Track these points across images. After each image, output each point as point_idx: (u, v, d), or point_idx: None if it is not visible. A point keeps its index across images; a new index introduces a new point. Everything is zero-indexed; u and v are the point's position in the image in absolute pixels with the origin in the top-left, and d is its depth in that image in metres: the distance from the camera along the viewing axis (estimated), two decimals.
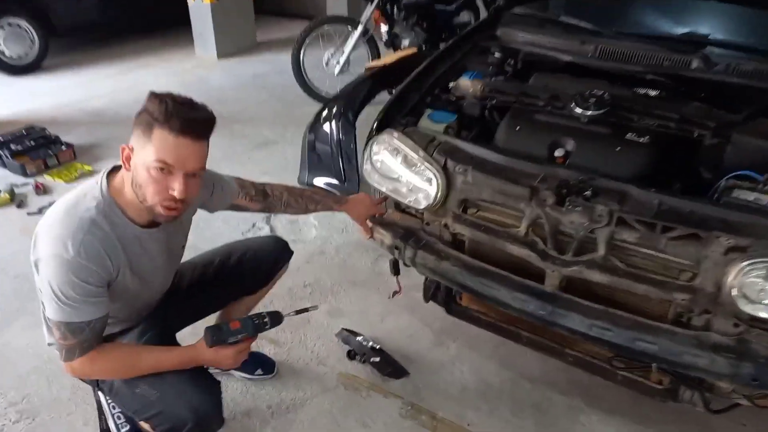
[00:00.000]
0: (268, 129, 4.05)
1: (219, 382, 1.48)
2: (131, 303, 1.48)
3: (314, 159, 3.33)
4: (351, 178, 3.18)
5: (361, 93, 3.26)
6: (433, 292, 1.99)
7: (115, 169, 1.36)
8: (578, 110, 1.80)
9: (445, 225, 1.81)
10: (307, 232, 2.86)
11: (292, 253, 1.84)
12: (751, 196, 1.52)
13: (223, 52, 5.61)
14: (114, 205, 1.31)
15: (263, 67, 5.38)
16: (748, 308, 1.37)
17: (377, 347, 2.07)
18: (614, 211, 1.50)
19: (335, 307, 2.35)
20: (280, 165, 3.54)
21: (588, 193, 1.56)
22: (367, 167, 1.95)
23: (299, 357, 2.09)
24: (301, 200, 1.79)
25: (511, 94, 2.02)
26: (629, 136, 1.74)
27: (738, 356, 1.38)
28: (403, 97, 2.09)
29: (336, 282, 2.49)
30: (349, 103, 3.20)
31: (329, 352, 2.11)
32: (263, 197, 1.72)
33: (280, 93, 4.69)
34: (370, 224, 1.90)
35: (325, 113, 3.21)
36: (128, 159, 1.27)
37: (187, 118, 1.22)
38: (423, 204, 1.80)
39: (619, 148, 1.71)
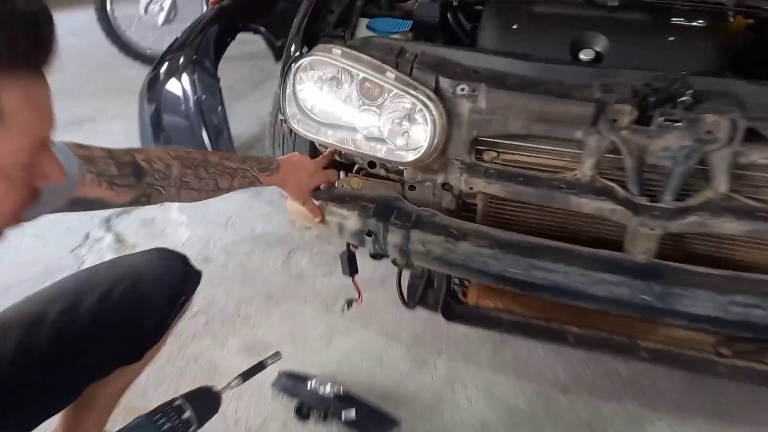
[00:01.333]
0: (78, 104, 2.92)
1: None
2: None
3: (162, 136, 2.37)
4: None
5: (212, 34, 2.38)
6: (422, 292, 1.31)
7: None
8: None
9: (445, 185, 1.14)
10: (173, 233, 1.97)
11: (199, 274, 1.03)
12: None
13: None
14: None
15: None
16: None
17: (340, 392, 1.33)
18: (738, 119, 0.96)
19: (252, 339, 1.55)
20: None
21: (687, 98, 1.00)
22: (290, 110, 1.19)
23: None
24: (206, 173, 0.97)
25: None
26: (677, 20, 1.22)
27: None
28: (321, 5, 1.35)
29: (241, 300, 1.68)
30: (201, 47, 2.29)
31: (267, 415, 1.33)
32: (136, 176, 0.88)
33: (84, 57, 3.52)
34: (316, 202, 1.16)
35: (166, 67, 2.27)
36: None
37: None
38: (409, 156, 1.11)
39: (672, 38, 1.19)
